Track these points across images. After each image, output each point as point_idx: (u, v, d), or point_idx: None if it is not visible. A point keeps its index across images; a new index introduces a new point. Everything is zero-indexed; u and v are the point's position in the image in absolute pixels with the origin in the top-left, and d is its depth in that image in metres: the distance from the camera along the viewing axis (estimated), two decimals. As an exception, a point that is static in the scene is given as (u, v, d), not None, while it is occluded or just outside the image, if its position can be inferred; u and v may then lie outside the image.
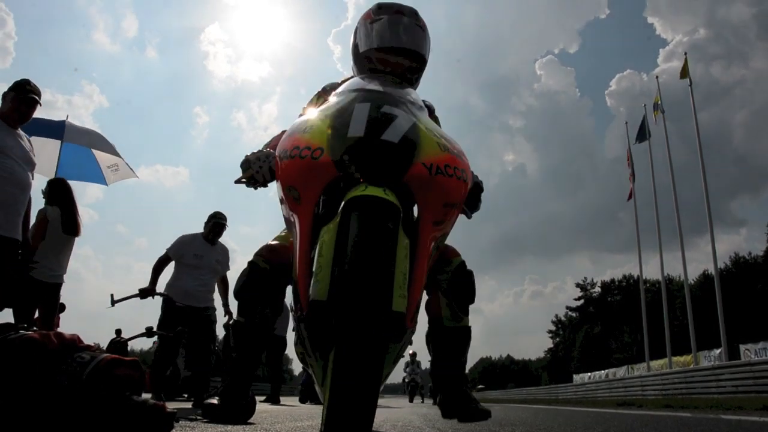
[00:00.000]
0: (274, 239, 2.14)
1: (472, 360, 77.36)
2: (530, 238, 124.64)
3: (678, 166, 20.29)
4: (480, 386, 58.95)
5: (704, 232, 23.63)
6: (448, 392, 2.03)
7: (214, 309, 5.25)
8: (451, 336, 2.03)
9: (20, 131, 3.36)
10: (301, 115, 1.93)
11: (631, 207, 21.58)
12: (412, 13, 2.05)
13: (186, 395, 7.71)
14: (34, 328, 2.02)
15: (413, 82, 2.11)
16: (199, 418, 2.50)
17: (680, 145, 38.24)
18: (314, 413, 4.03)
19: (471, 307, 2.07)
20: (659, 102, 18.73)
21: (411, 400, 15.76)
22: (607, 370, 33.48)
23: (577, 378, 36.61)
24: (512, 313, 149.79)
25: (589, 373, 35.64)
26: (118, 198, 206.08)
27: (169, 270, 5.20)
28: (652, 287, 35.39)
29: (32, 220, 3.74)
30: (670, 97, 29.27)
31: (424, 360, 15.90)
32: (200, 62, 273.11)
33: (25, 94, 3.28)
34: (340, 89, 1.86)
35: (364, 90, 1.73)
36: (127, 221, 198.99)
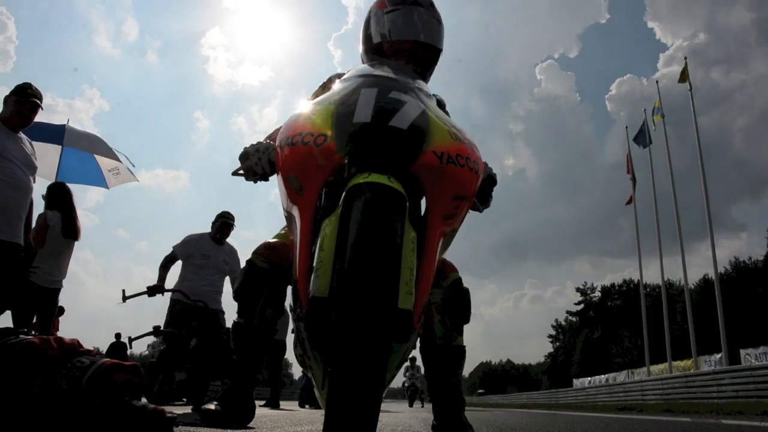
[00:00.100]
0: (274, 237, 2.10)
1: (472, 364, 77.29)
2: (530, 242, 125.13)
3: (678, 170, 20.45)
4: (480, 390, 58.93)
5: (704, 236, 23.64)
6: (441, 416, 1.98)
7: (223, 312, 5.12)
8: (443, 355, 1.97)
9: (22, 135, 3.37)
10: None
11: (632, 211, 21.66)
12: (430, 5, 1.94)
13: (185, 399, 7.67)
14: (34, 333, 2.02)
15: (426, 78, 2.02)
16: (198, 422, 2.50)
17: (680, 150, 38.53)
18: (314, 418, 4.02)
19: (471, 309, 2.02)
20: (659, 106, 18.80)
21: (411, 405, 15.68)
22: (607, 375, 33.40)
23: (578, 382, 36.57)
24: (512, 318, 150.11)
25: (589, 378, 35.61)
26: (119, 202, 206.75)
27: (174, 273, 5.11)
28: (653, 292, 35.41)
29: (33, 223, 3.74)
30: (671, 102, 29.28)
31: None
32: (201, 66, 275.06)
33: (26, 97, 3.28)
34: (346, 75, 1.75)
35: (371, 75, 1.62)
36: (128, 225, 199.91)
